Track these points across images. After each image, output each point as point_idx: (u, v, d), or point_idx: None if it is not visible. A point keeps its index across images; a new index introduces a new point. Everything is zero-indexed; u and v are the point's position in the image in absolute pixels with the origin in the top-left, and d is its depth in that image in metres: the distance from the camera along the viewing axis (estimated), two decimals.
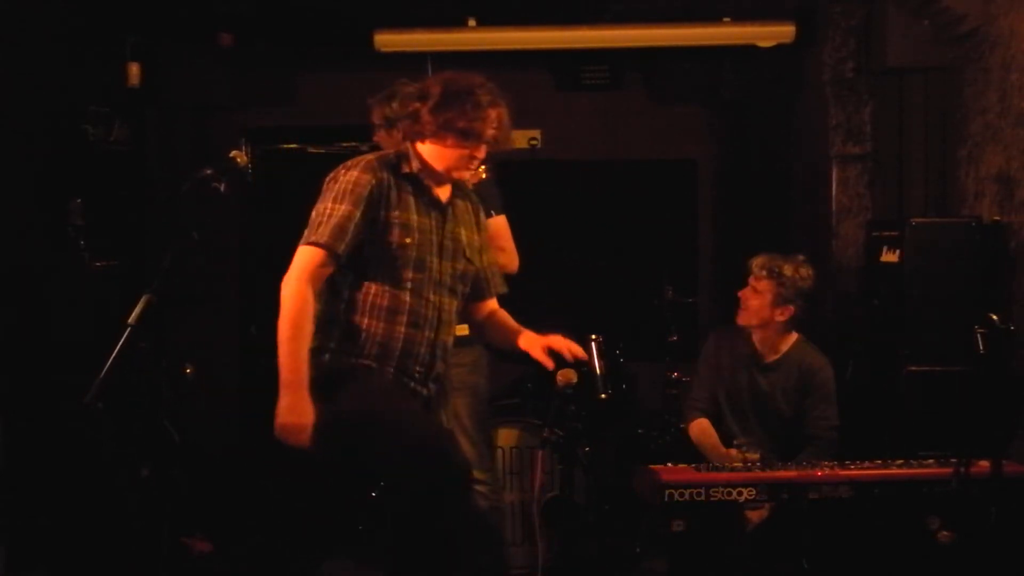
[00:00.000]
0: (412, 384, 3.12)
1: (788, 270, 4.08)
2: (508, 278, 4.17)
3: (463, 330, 4.04)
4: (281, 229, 3.30)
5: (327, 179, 3.13)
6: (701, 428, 4.18)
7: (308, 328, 2.94)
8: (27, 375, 4.36)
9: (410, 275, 3.06)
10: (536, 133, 6.27)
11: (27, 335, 4.39)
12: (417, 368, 3.12)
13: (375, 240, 3.04)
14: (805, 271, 4.11)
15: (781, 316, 4.09)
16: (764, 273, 4.09)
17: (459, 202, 3.25)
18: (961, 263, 4.13)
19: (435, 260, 3.12)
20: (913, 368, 4.05)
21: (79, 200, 3.93)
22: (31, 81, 4.59)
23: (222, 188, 3.15)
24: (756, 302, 4.11)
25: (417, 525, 2.93)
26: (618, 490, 4.63)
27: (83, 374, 2.85)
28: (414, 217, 3.09)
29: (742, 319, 4.16)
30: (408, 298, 3.07)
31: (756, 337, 4.17)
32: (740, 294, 4.16)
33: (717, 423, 4.19)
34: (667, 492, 3.49)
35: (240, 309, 6.35)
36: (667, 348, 5.09)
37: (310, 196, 4.16)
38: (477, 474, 4.03)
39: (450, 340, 3.23)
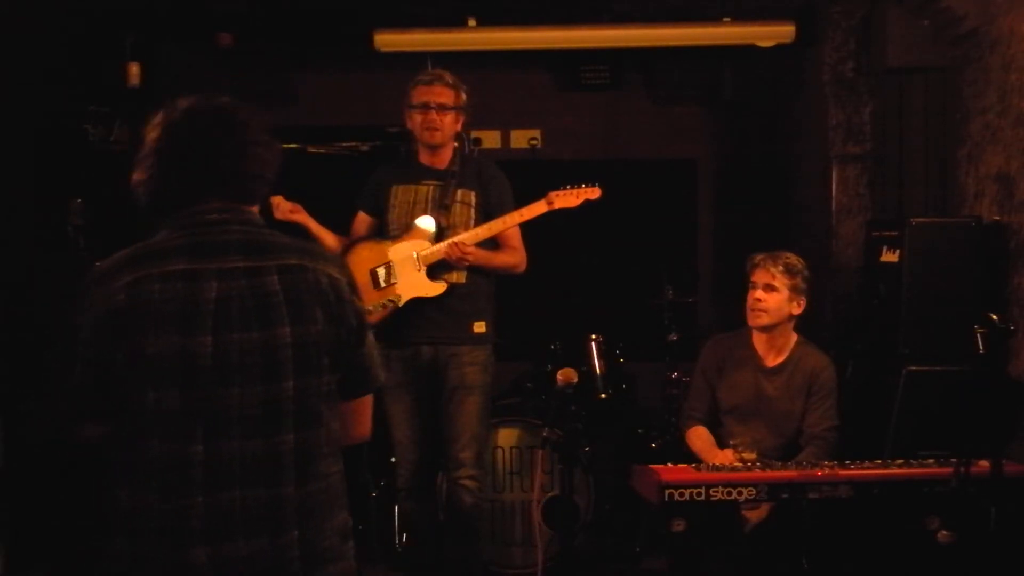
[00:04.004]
0: None
1: (795, 262, 4.06)
2: (515, 279, 4.21)
3: (480, 327, 4.08)
4: (280, 228, 3.30)
5: None
6: (697, 434, 4.16)
7: None
8: (27, 375, 4.36)
9: None
10: (536, 133, 6.28)
11: (27, 335, 4.39)
12: None
13: None
14: (801, 260, 4.11)
15: (797, 309, 4.06)
16: (780, 269, 4.03)
17: None
18: (961, 263, 4.13)
19: None
20: (913, 368, 4.05)
21: (79, 200, 3.92)
22: (31, 81, 4.59)
23: None
24: (776, 300, 4.04)
25: None
26: (618, 490, 4.63)
27: None
28: None
29: (763, 320, 4.06)
30: None
31: (760, 340, 4.13)
32: (756, 296, 4.05)
33: (713, 429, 4.17)
34: (667, 492, 3.49)
35: None
36: (667, 348, 5.09)
37: (310, 196, 4.17)
38: (469, 471, 4.05)
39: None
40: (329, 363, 2.04)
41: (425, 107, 4.07)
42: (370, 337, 2.14)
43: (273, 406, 1.98)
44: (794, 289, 4.05)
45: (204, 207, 2.05)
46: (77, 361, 1.99)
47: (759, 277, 4.06)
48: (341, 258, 2.22)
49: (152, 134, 2.07)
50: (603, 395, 4.80)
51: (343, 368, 2.08)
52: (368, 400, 2.19)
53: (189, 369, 1.94)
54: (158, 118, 2.08)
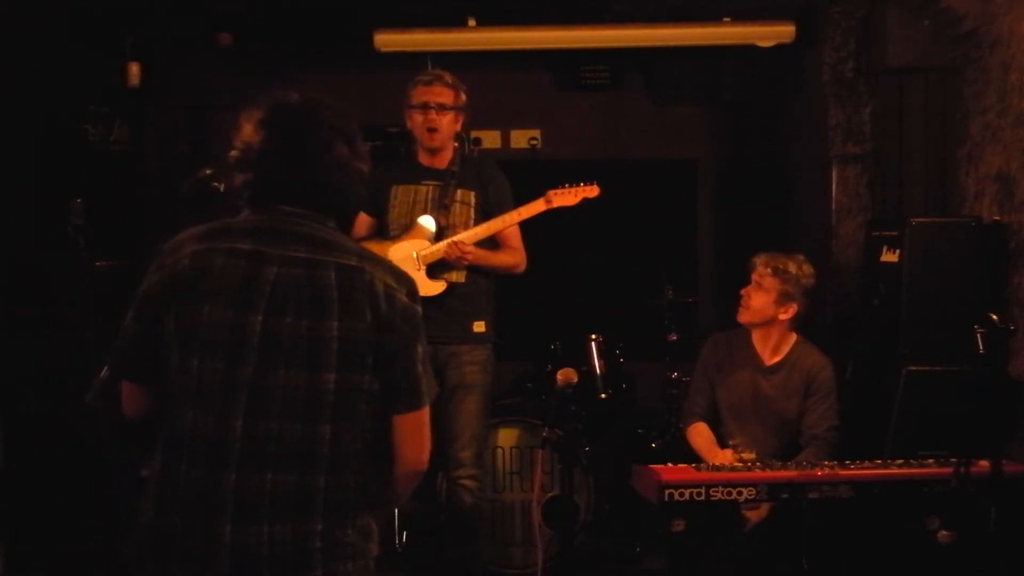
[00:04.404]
0: None
1: (793, 267, 4.06)
2: (515, 279, 4.21)
3: (480, 326, 4.09)
4: None
5: None
6: (698, 431, 4.17)
7: None
8: (27, 374, 4.36)
9: None
10: (536, 133, 6.28)
11: (27, 335, 4.40)
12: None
13: None
14: (808, 268, 4.10)
15: (785, 315, 4.07)
16: (769, 271, 4.05)
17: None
18: (961, 263, 4.13)
19: None
20: (913, 368, 4.05)
21: (79, 200, 3.92)
22: (31, 81, 4.60)
23: (222, 188, 3.15)
24: (759, 300, 4.07)
25: None
26: (618, 490, 4.63)
27: (83, 374, 2.85)
28: None
29: (743, 317, 4.12)
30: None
31: (757, 339, 4.15)
32: (743, 292, 4.12)
33: (715, 427, 4.18)
34: (667, 492, 3.49)
35: None
36: (667, 348, 5.09)
37: None
38: (469, 471, 4.05)
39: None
40: (372, 364, 2.06)
41: (425, 107, 4.07)
42: (420, 353, 2.14)
43: (314, 396, 2.01)
44: (783, 294, 4.05)
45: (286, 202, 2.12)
46: (135, 319, 2.07)
47: (754, 275, 4.10)
48: (404, 272, 2.21)
49: (261, 132, 2.12)
50: (603, 395, 4.80)
51: (386, 375, 2.09)
52: (417, 421, 2.18)
53: (236, 344, 2.00)
54: (263, 114, 2.13)
